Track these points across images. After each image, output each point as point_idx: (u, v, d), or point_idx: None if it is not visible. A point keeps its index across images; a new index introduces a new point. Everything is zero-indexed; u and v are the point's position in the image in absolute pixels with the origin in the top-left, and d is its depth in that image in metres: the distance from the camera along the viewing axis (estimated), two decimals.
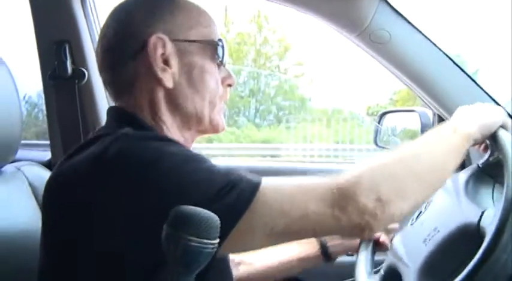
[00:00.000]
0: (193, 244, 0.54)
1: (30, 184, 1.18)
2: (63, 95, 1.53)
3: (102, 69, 0.91)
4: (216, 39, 0.91)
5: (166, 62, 0.86)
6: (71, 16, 1.48)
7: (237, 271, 1.15)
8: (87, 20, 1.52)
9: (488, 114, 0.95)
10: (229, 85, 0.96)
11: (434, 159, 0.85)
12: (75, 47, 1.50)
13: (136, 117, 0.86)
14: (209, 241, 0.55)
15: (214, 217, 0.57)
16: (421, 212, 1.07)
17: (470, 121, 0.92)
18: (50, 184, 0.83)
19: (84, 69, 1.52)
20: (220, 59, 0.91)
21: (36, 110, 6.32)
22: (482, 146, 1.01)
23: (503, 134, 0.90)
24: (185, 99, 0.87)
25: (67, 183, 0.77)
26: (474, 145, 0.95)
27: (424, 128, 1.64)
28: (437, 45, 1.48)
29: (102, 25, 0.93)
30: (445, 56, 1.50)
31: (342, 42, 1.47)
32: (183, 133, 0.90)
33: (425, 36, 1.47)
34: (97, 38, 1.55)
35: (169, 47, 0.86)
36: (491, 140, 0.92)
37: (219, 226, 0.57)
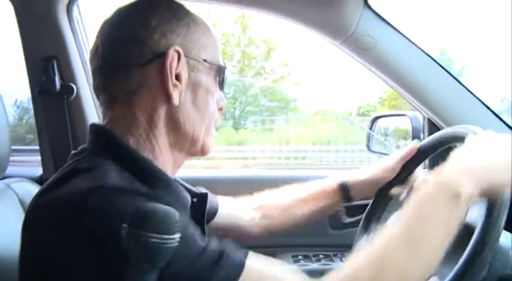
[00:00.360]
0: (153, 240, 0.55)
1: (20, 201, 1.18)
2: (52, 110, 1.53)
3: (98, 73, 0.82)
4: (221, 64, 0.88)
5: (177, 77, 0.80)
6: (58, 32, 1.49)
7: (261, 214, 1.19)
8: (74, 35, 1.53)
9: (498, 171, 0.80)
10: (220, 109, 0.92)
11: (434, 242, 0.75)
12: (63, 63, 1.51)
13: (120, 144, 0.78)
14: (169, 236, 0.56)
15: (173, 212, 0.57)
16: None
17: (476, 181, 0.77)
18: (29, 214, 0.76)
19: (72, 85, 1.52)
20: (222, 82, 0.88)
21: (27, 116, 6.27)
22: None
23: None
24: (186, 118, 0.82)
25: (43, 222, 0.71)
26: None
27: (415, 132, 1.65)
28: (422, 49, 1.50)
29: (100, 27, 0.85)
30: (431, 59, 1.51)
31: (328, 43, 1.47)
32: (173, 154, 0.85)
33: (411, 41, 1.48)
34: (85, 52, 1.58)
35: (183, 62, 0.80)
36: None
37: (178, 220, 0.57)
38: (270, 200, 1.23)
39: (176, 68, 0.79)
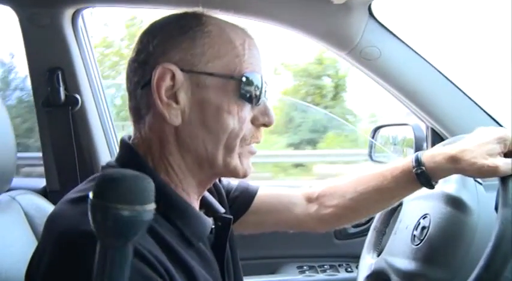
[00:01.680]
0: (124, 213, 0.46)
1: (26, 213, 1.17)
2: (56, 121, 1.52)
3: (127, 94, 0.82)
4: (245, 71, 0.77)
5: (175, 96, 0.75)
6: (63, 43, 1.49)
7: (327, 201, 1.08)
8: (79, 46, 1.53)
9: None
10: (264, 125, 0.82)
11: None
12: (68, 74, 1.50)
13: (142, 162, 0.77)
14: (143, 207, 0.48)
15: (147, 178, 0.50)
16: (400, 220, 1.10)
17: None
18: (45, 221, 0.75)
19: (77, 96, 1.52)
20: (247, 96, 0.77)
21: None
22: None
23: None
24: (194, 139, 0.76)
25: (44, 236, 0.72)
26: None
27: (418, 142, 1.65)
28: (427, 59, 1.51)
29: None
30: (434, 69, 1.52)
31: None
32: (194, 175, 0.79)
33: (415, 51, 1.50)
34: (90, 63, 1.58)
35: (181, 80, 0.74)
36: (500, 180, 0.88)
37: (153, 188, 0.50)
38: (331, 189, 1.09)
39: (173, 87, 0.74)
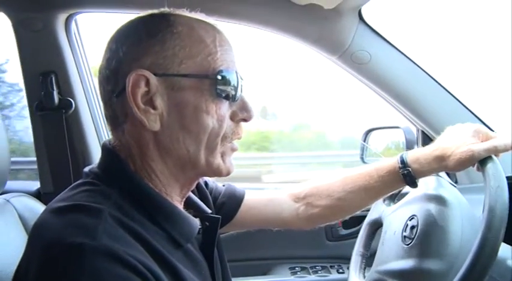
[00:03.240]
0: None
1: (20, 215, 1.18)
2: (50, 125, 1.53)
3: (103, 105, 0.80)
4: (219, 69, 0.76)
5: (151, 101, 0.73)
6: (56, 47, 1.50)
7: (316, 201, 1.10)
8: (72, 50, 1.54)
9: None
10: (244, 120, 0.82)
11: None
12: (61, 78, 1.51)
13: (125, 168, 0.76)
14: None
15: None
16: (386, 231, 1.13)
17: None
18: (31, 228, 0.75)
19: (71, 99, 1.53)
20: (224, 93, 0.76)
21: None
22: (476, 165, 0.97)
23: (490, 166, 0.91)
24: (175, 142, 0.75)
25: (29, 244, 0.71)
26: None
27: (409, 144, 1.66)
28: (417, 63, 1.53)
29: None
30: (425, 73, 1.54)
31: None
32: (177, 179, 0.79)
33: (405, 55, 1.52)
34: (83, 67, 1.59)
35: (155, 84, 0.73)
36: (479, 165, 0.93)
37: None
38: (318, 189, 1.11)
39: (148, 92, 0.73)
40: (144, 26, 0.76)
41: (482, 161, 0.91)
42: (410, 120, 1.65)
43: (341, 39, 1.44)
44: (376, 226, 1.20)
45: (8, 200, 1.20)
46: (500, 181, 0.85)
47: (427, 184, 1.09)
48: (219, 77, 0.75)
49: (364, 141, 1.83)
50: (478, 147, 0.92)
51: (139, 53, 0.74)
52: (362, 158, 1.82)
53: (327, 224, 1.17)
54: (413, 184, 1.01)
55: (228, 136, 0.79)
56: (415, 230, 1.01)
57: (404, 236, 1.04)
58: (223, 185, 1.10)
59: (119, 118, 0.76)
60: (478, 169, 0.96)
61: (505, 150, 0.93)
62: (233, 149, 0.82)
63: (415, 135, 1.67)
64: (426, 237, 0.98)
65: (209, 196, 1.02)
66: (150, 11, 0.80)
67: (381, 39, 1.49)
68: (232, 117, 0.80)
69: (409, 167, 0.99)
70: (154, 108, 0.74)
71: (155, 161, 0.76)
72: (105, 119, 0.83)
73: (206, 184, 1.04)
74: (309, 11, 1.35)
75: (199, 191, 0.97)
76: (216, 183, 1.08)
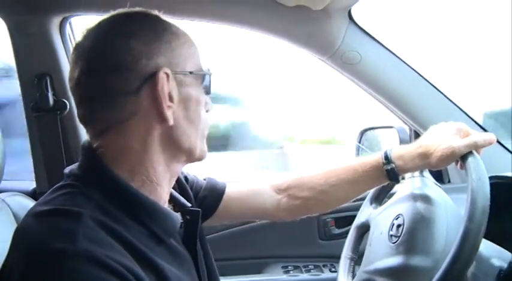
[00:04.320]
0: None
1: (14, 215, 1.19)
2: (45, 126, 1.56)
3: (83, 103, 0.78)
4: (205, 69, 0.85)
5: (170, 97, 0.77)
6: (51, 49, 1.52)
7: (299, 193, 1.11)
8: (67, 52, 1.56)
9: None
10: (207, 111, 0.88)
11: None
12: (56, 79, 1.54)
13: (107, 174, 0.76)
14: None
15: None
16: (373, 232, 1.14)
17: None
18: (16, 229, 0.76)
19: (65, 101, 1.55)
20: (208, 88, 0.86)
21: None
22: (459, 164, 1.00)
23: (471, 160, 0.93)
24: (182, 134, 0.80)
25: (12, 246, 0.72)
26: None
27: (402, 144, 1.67)
28: (407, 63, 1.54)
29: (77, 53, 0.78)
30: (415, 73, 1.55)
31: None
32: (170, 168, 0.82)
33: (396, 55, 1.53)
34: None
35: (171, 81, 0.77)
36: (461, 161, 0.96)
37: None
38: (301, 181, 1.13)
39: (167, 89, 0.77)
40: (148, 26, 0.79)
41: (463, 156, 0.93)
42: (402, 120, 1.66)
43: (331, 40, 1.45)
44: (364, 229, 1.21)
45: (3, 199, 1.21)
46: (481, 174, 0.87)
47: (413, 184, 1.10)
48: (208, 74, 0.85)
49: (359, 142, 1.84)
50: (459, 143, 0.94)
51: (152, 52, 0.76)
52: None
53: (318, 216, 1.20)
54: (396, 180, 1.04)
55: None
56: (401, 228, 1.02)
57: (391, 235, 1.05)
58: (204, 179, 1.11)
59: (121, 118, 0.76)
60: (461, 167, 0.98)
61: (485, 145, 0.96)
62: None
63: (409, 135, 1.68)
64: (412, 235, 1.00)
65: (189, 190, 1.03)
66: (136, 9, 0.81)
67: (371, 39, 1.50)
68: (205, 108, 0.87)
69: (393, 163, 1.02)
70: (172, 103, 0.78)
71: (157, 153, 0.79)
72: (94, 121, 0.79)
73: (186, 178, 1.06)
74: (297, 13, 1.36)
75: (179, 185, 0.99)
76: (197, 177, 1.10)
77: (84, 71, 0.76)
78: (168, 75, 0.76)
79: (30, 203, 1.24)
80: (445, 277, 0.82)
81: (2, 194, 1.24)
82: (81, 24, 1.62)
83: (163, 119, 0.76)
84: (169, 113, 0.77)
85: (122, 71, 0.75)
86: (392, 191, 1.19)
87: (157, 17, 0.82)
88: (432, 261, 0.93)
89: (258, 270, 1.73)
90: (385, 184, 1.12)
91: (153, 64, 0.76)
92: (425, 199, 1.04)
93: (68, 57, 1.55)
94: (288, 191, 1.12)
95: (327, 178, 1.10)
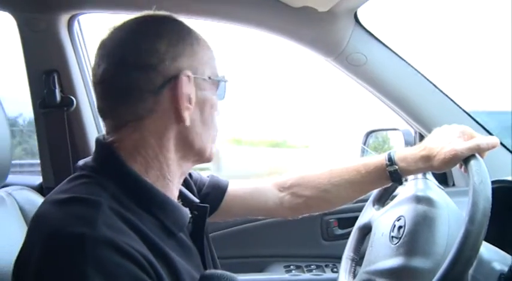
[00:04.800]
0: None
1: (21, 209, 1.20)
2: (52, 122, 1.57)
3: (104, 97, 0.81)
4: (221, 75, 0.88)
5: (189, 99, 0.80)
6: (59, 46, 1.54)
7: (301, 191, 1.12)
8: (74, 49, 1.58)
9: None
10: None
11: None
12: (63, 76, 1.55)
13: (123, 167, 0.78)
14: None
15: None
16: (375, 233, 1.14)
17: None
18: (30, 221, 0.79)
19: (72, 97, 1.57)
20: (223, 93, 0.89)
21: None
22: (463, 167, 0.99)
23: (473, 163, 0.93)
24: (196, 136, 0.83)
25: (29, 236, 0.74)
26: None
27: (407, 146, 1.67)
28: (412, 65, 1.54)
29: (103, 50, 0.81)
30: (421, 75, 1.55)
31: None
32: (181, 166, 0.85)
33: (401, 57, 1.53)
34: (85, 66, 1.63)
35: (192, 84, 0.80)
36: (463, 164, 0.96)
37: None
38: (304, 179, 1.14)
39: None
40: (172, 29, 0.82)
41: (466, 159, 0.93)
42: (407, 122, 1.66)
43: (336, 41, 1.46)
44: (366, 230, 1.20)
45: (9, 193, 1.22)
46: (483, 177, 0.87)
47: (415, 186, 1.10)
48: (224, 81, 0.88)
49: (364, 143, 1.84)
50: (461, 146, 0.94)
51: (177, 54, 0.79)
52: None
53: (321, 217, 1.21)
54: (399, 182, 1.05)
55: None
56: (402, 230, 1.02)
57: (392, 236, 1.05)
58: (207, 177, 1.13)
59: (139, 114, 0.78)
60: (465, 170, 0.98)
61: (488, 148, 0.96)
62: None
63: (414, 138, 1.68)
64: (413, 236, 1.00)
65: (194, 186, 1.05)
66: (162, 12, 0.85)
67: (377, 41, 1.50)
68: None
69: (396, 165, 1.03)
70: (190, 105, 0.81)
71: (171, 151, 0.81)
72: (113, 118, 0.81)
73: (190, 175, 1.07)
74: (303, 14, 1.37)
75: (185, 181, 1.00)
76: (200, 174, 1.12)
77: (109, 68, 0.78)
78: (189, 78, 0.79)
79: (36, 198, 1.24)
80: (445, 278, 0.82)
81: (9, 187, 1.25)
82: (89, 22, 1.64)
83: (180, 119, 0.79)
84: (186, 114, 0.79)
85: (146, 70, 0.77)
86: (394, 193, 1.19)
87: (181, 21, 0.85)
88: (433, 263, 0.93)
89: (259, 269, 1.74)
90: (388, 185, 1.12)
91: (176, 66, 0.78)
92: (428, 201, 1.03)
93: (75, 54, 1.57)
94: (291, 190, 1.13)
95: (330, 177, 1.11)
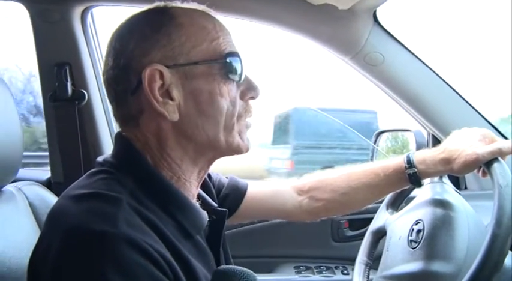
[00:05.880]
0: None
1: (30, 204, 1.19)
2: (63, 116, 1.55)
3: (108, 98, 0.82)
4: (226, 52, 0.79)
5: (168, 93, 0.76)
6: (71, 39, 1.52)
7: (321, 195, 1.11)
8: (87, 42, 1.56)
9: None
10: (252, 98, 0.85)
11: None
12: (75, 69, 1.53)
13: (141, 158, 0.77)
14: None
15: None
16: (391, 237, 1.12)
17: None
18: (47, 215, 0.77)
19: (84, 91, 1.55)
20: (234, 75, 0.79)
21: None
22: (481, 171, 1.00)
23: (497, 166, 0.92)
24: (195, 129, 0.78)
25: (48, 230, 0.73)
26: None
27: (419, 147, 1.65)
28: (429, 66, 1.52)
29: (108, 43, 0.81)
30: (437, 76, 1.53)
31: None
32: (196, 163, 0.81)
33: (418, 58, 1.51)
34: (97, 59, 1.61)
35: (169, 76, 0.75)
36: (485, 167, 0.94)
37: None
38: (322, 183, 1.13)
39: (163, 85, 0.75)
40: (147, 22, 0.78)
41: (487, 163, 0.92)
42: (421, 124, 1.64)
43: (355, 40, 1.44)
44: (380, 234, 1.19)
45: (19, 188, 1.21)
46: (508, 180, 0.86)
47: (433, 190, 1.09)
48: (228, 60, 0.79)
49: (375, 143, 1.83)
50: (483, 150, 0.93)
51: (147, 48, 0.76)
52: (372, 160, 1.81)
53: (332, 218, 1.20)
54: (418, 184, 1.04)
55: (242, 115, 0.83)
56: (421, 233, 1.01)
57: (411, 240, 1.03)
58: (227, 177, 1.11)
59: (133, 115, 0.78)
60: (483, 175, 0.97)
61: (510, 152, 0.94)
62: (248, 127, 0.85)
63: (426, 139, 1.67)
64: (433, 240, 0.98)
65: (213, 188, 1.03)
66: (146, 7, 0.81)
67: (395, 41, 1.48)
68: (242, 97, 0.83)
69: (415, 167, 1.02)
70: (172, 99, 0.76)
71: (175, 150, 0.78)
72: (116, 119, 0.82)
73: (209, 176, 1.05)
74: (323, 11, 1.35)
75: (203, 184, 0.96)
76: (219, 175, 1.10)
77: (103, 71, 0.80)
78: (160, 71, 0.74)
79: (45, 193, 1.24)
80: None
81: (19, 183, 1.24)
82: (103, 14, 1.62)
83: (163, 115, 0.75)
84: (167, 109, 0.75)
85: (122, 73, 0.76)
86: (411, 196, 1.18)
87: (164, 9, 0.80)
88: (454, 267, 0.92)
89: (269, 269, 1.73)
90: (406, 188, 1.11)
91: (147, 61, 0.75)
92: (446, 204, 1.03)
93: (88, 47, 1.55)
94: (310, 193, 1.13)
95: (349, 181, 1.10)
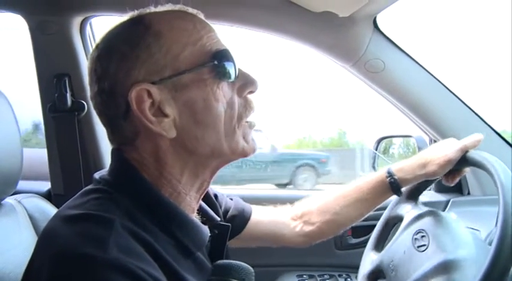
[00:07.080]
0: None
1: (30, 216, 1.18)
2: (63, 126, 1.55)
3: (102, 124, 0.79)
4: (212, 52, 0.74)
5: (160, 110, 0.72)
6: (70, 49, 1.51)
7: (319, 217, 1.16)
8: (86, 52, 1.55)
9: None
10: (252, 92, 0.80)
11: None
12: (74, 80, 1.53)
13: (138, 176, 0.74)
14: None
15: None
16: (392, 260, 1.11)
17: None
18: (42, 231, 0.75)
19: (83, 102, 1.54)
20: (226, 75, 0.75)
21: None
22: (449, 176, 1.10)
23: (474, 153, 1.01)
24: (195, 141, 0.74)
25: (38, 250, 0.71)
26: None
27: None
28: (431, 72, 1.52)
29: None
30: (439, 83, 1.53)
31: None
32: (197, 175, 0.78)
33: (419, 64, 1.51)
34: None
35: (157, 93, 0.71)
36: (469, 163, 1.02)
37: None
38: (314, 206, 1.18)
39: (153, 103, 0.71)
40: (123, 38, 0.74)
41: (466, 158, 1.02)
42: (422, 130, 1.64)
43: (355, 47, 1.44)
44: (396, 220, 1.20)
45: (19, 201, 1.20)
46: (493, 158, 0.94)
47: (414, 211, 1.14)
48: (216, 61, 0.74)
49: (376, 149, 1.82)
50: (452, 150, 1.04)
51: (129, 68, 0.71)
52: (373, 167, 1.81)
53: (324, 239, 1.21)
54: (398, 192, 1.13)
55: (243, 115, 0.78)
56: (425, 237, 1.03)
57: (418, 246, 1.03)
58: (231, 199, 1.12)
59: (129, 138, 0.75)
60: (451, 179, 1.09)
61: (475, 145, 1.04)
62: (251, 126, 0.81)
63: (428, 145, 1.66)
64: (439, 236, 1.01)
65: (219, 207, 1.02)
66: (120, 21, 0.77)
67: (396, 48, 1.48)
68: (239, 93, 0.78)
69: (395, 176, 1.11)
70: (165, 116, 0.72)
71: (174, 166, 0.75)
72: (112, 142, 0.79)
73: (216, 195, 1.04)
74: (324, 19, 1.35)
75: (206, 198, 0.94)
76: (223, 195, 1.10)
77: (91, 96, 0.76)
78: (147, 90, 0.70)
79: (45, 205, 1.23)
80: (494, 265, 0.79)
81: (19, 195, 1.24)
82: (102, 25, 1.62)
83: (159, 134, 0.72)
84: (163, 127, 0.72)
85: (109, 98, 0.72)
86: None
87: (138, 19, 0.75)
88: (467, 250, 0.95)
89: (272, 278, 1.71)
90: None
91: (130, 82, 0.71)
92: (432, 212, 1.08)
93: (87, 58, 1.54)
94: (303, 218, 1.17)
95: (338, 200, 1.16)
